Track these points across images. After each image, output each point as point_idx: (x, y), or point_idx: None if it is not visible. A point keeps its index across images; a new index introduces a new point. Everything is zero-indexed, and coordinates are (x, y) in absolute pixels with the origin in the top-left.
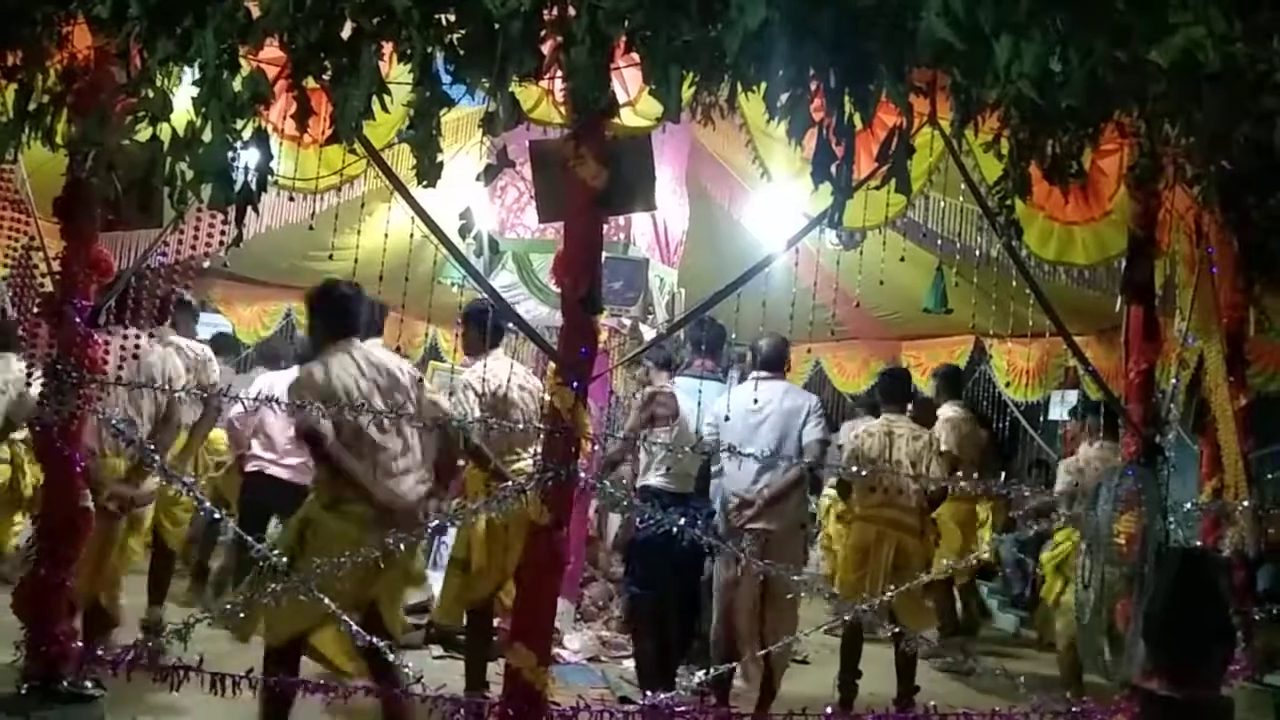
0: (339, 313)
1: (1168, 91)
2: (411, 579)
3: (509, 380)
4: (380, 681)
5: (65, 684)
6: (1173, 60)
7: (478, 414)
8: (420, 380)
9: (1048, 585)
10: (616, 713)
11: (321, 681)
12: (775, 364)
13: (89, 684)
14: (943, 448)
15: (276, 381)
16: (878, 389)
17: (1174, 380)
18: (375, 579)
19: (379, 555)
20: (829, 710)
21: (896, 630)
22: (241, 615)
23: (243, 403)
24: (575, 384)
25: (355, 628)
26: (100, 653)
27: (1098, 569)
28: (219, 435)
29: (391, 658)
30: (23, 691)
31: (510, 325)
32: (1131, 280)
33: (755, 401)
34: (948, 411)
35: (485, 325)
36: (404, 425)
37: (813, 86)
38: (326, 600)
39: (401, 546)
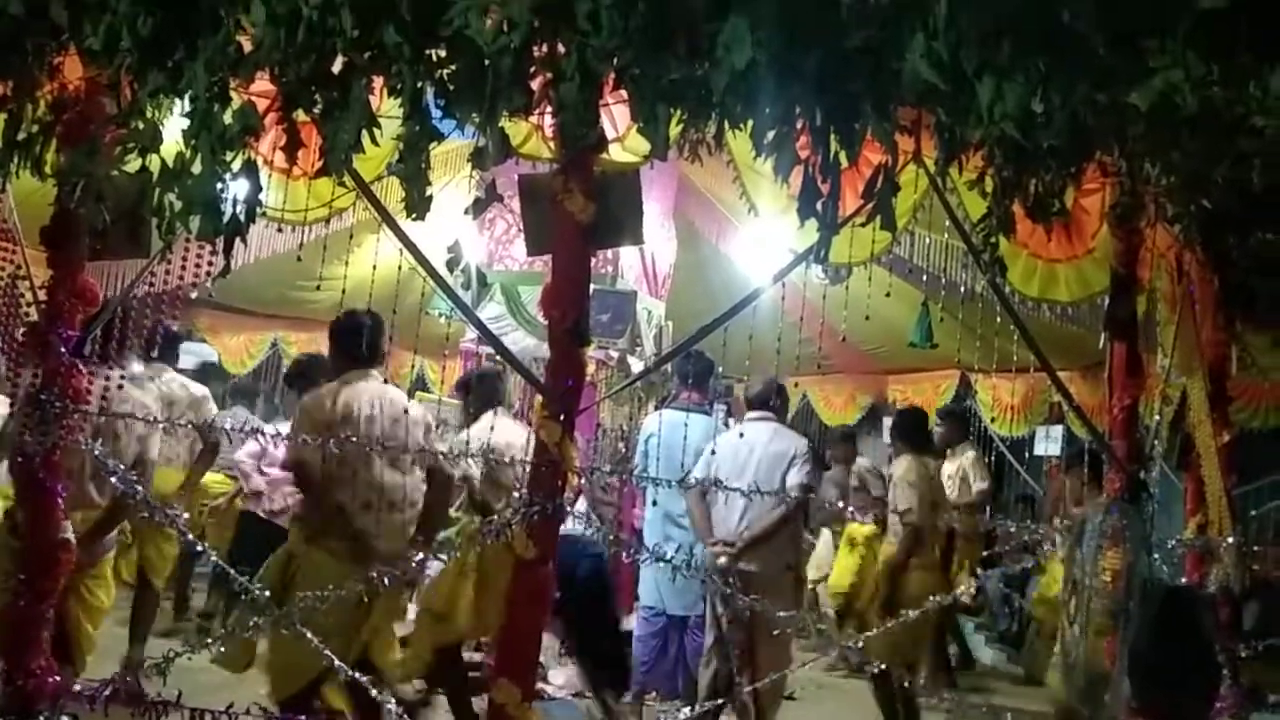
0: (356, 342)
1: (1147, 133)
2: (397, 615)
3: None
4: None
5: (41, 719)
6: (1151, 103)
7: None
8: (430, 428)
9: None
10: None
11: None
12: (764, 404)
13: (66, 719)
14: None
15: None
16: (894, 429)
17: (1157, 416)
18: (363, 618)
19: (364, 591)
20: None
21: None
22: (228, 649)
23: (227, 434)
24: (562, 417)
25: (341, 664)
26: (77, 687)
27: (1083, 606)
28: (210, 479)
29: (375, 694)
30: None
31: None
32: (1114, 317)
33: (741, 438)
34: (970, 451)
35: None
36: (400, 463)
37: (799, 124)
38: (314, 638)
39: (386, 583)
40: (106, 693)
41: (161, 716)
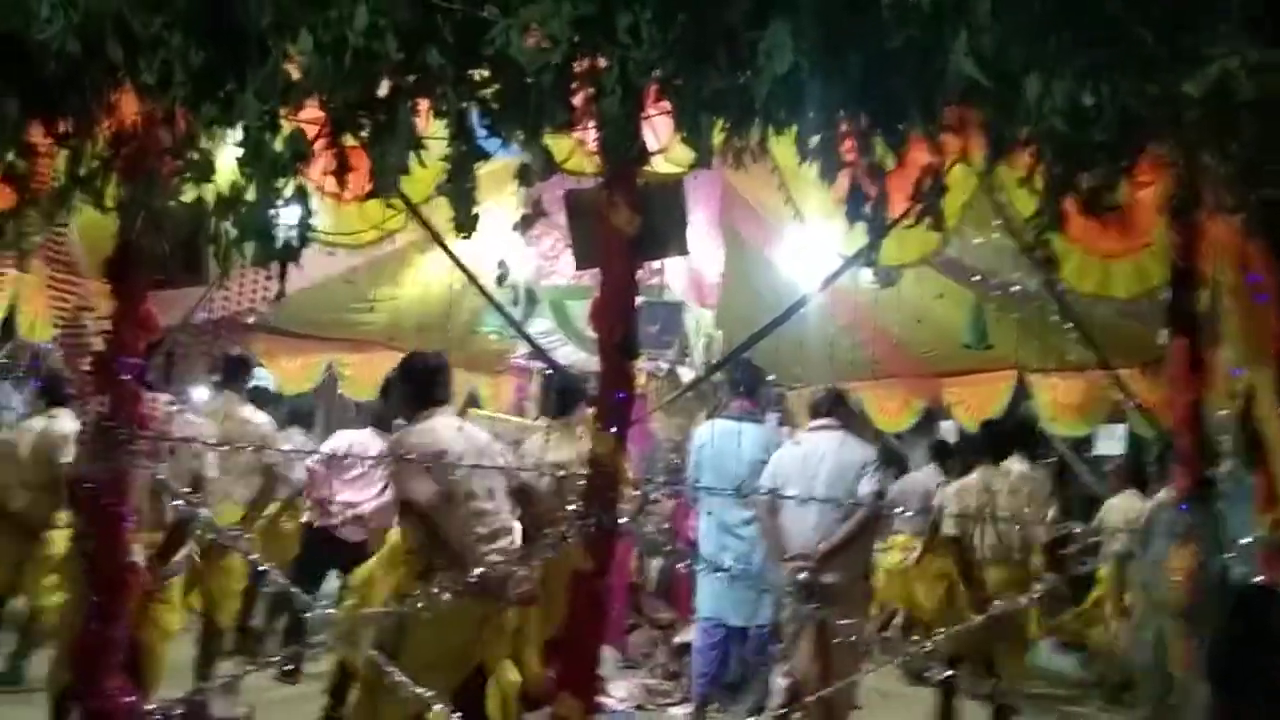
0: (427, 384)
1: (1202, 122)
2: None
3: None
4: None
5: None
6: (1206, 91)
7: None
8: (504, 454)
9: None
10: None
11: None
12: (828, 412)
13: None
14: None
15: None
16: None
17: (1223, 412)
18: (478, 650)
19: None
20: None
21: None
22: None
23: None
24: (614, 429)
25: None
26: (149, 707)
27: (1153, 610)
28: None
29: None
30: None
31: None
32: (1175, 311)
33: (807, 448)
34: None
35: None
36: (497, 493)
37: (843, 128)
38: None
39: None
40: (178, 712)
41: None
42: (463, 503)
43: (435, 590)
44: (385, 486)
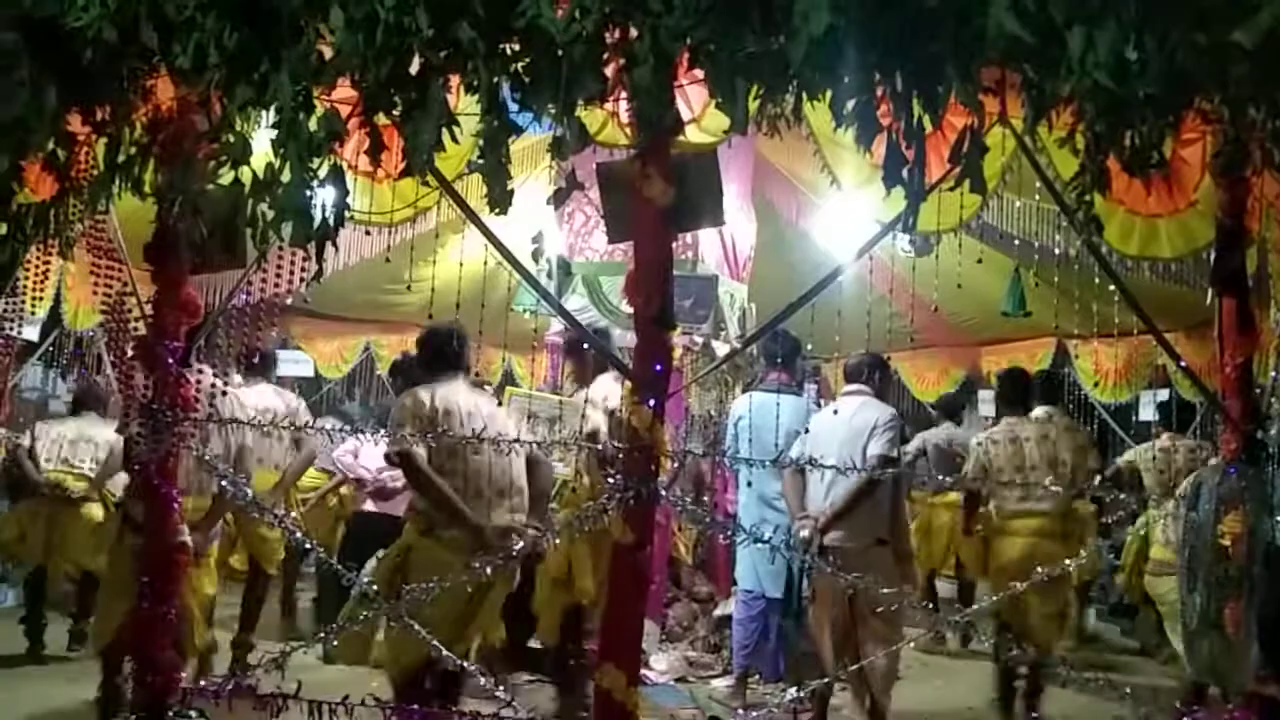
0: (438, 352)
1: (1252, 74)
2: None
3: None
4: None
5: (171, 714)
6: (1257, 41)
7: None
8: (520, 422)
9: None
10: None
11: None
12: (859, 378)
13: (193, 714)
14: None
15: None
16: (996, 393)
17: (1274, 373)
18: (476, 608)
19: (478, 582)
20: None
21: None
22: (338, 642)
23: (328, 434)
24: (652, 402)
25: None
26: (202, 683)
27: (1203, 572)
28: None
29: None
30: None
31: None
32: (1222, 271)
33: (835, 415)
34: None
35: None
36: (501, 453)
37: (879, 91)
38: (424, 631)
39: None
40: (230, 687)
41: (282, 710)
42: (455, 462)
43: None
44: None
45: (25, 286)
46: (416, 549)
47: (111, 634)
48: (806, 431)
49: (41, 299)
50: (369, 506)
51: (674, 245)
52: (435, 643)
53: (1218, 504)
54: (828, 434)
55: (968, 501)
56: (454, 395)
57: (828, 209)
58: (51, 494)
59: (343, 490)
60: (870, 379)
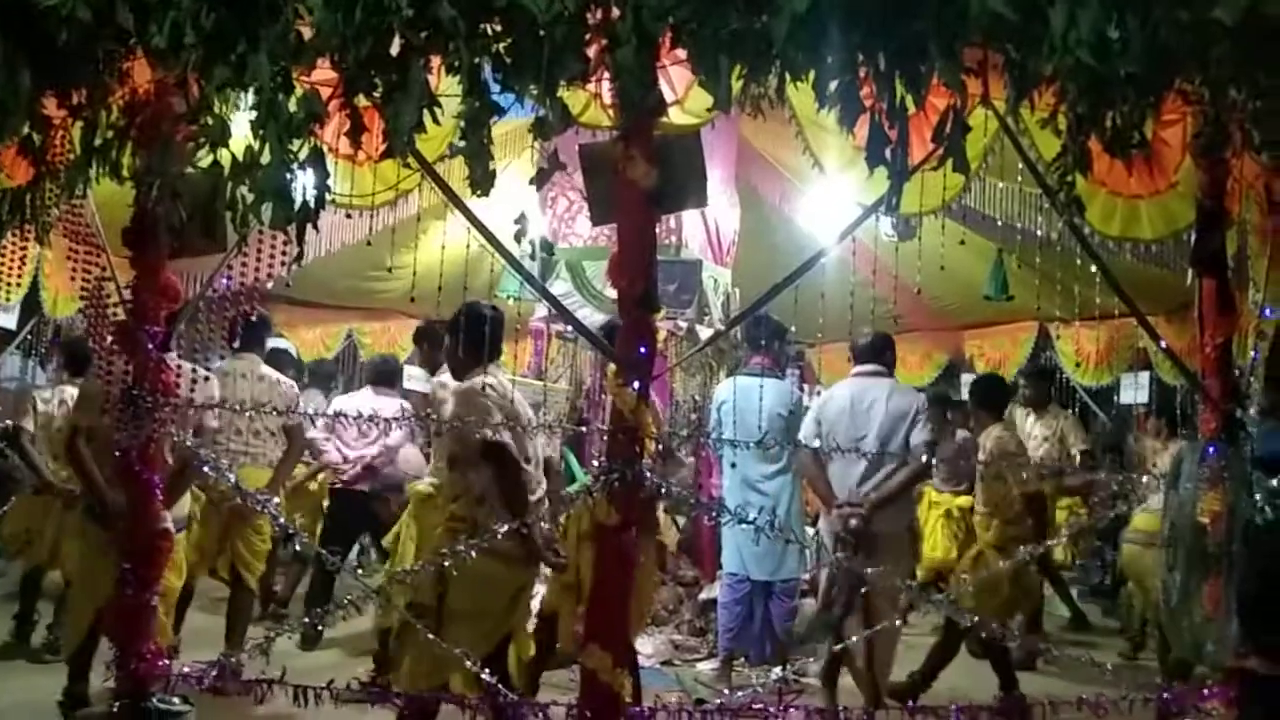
0: (481, 336)
1: (1233, 52)
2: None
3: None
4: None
5: (154, 700)
6: (1237, 18)
7: None
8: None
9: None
10: (694, 713)
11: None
12: (877, 359)
13: (177, 700)
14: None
15: (348, 405)
16: (973, 398)
17: (1252, 353)
18: (514, 612)
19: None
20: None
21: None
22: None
23: (310, 419)
24: (637, 384)
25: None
26: (185, 669)
27: (1183, 550)
28: None
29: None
30: (114, 709)
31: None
32: (1202, 252)
33: (854, 395)
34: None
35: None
36: (535, 460)
37: (862, 72)
38: (461, 650)
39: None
40: (213, 674)
41: (266, 696)
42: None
43: (473, 548)
44: (377, 438)
45: (1, 273)
46: (466, 563)
47: (80, 639)
48: (791, 415)
49: (19, 285)
50: (341, 483)
51: (657, 230)
52: (469, 659)
53: (1197, 483)
54: (850, 417)
55: None
56: (505, 389)
57: (811, 193)
58: (59, 493)
59: (320, 476)
60: (883, 357)
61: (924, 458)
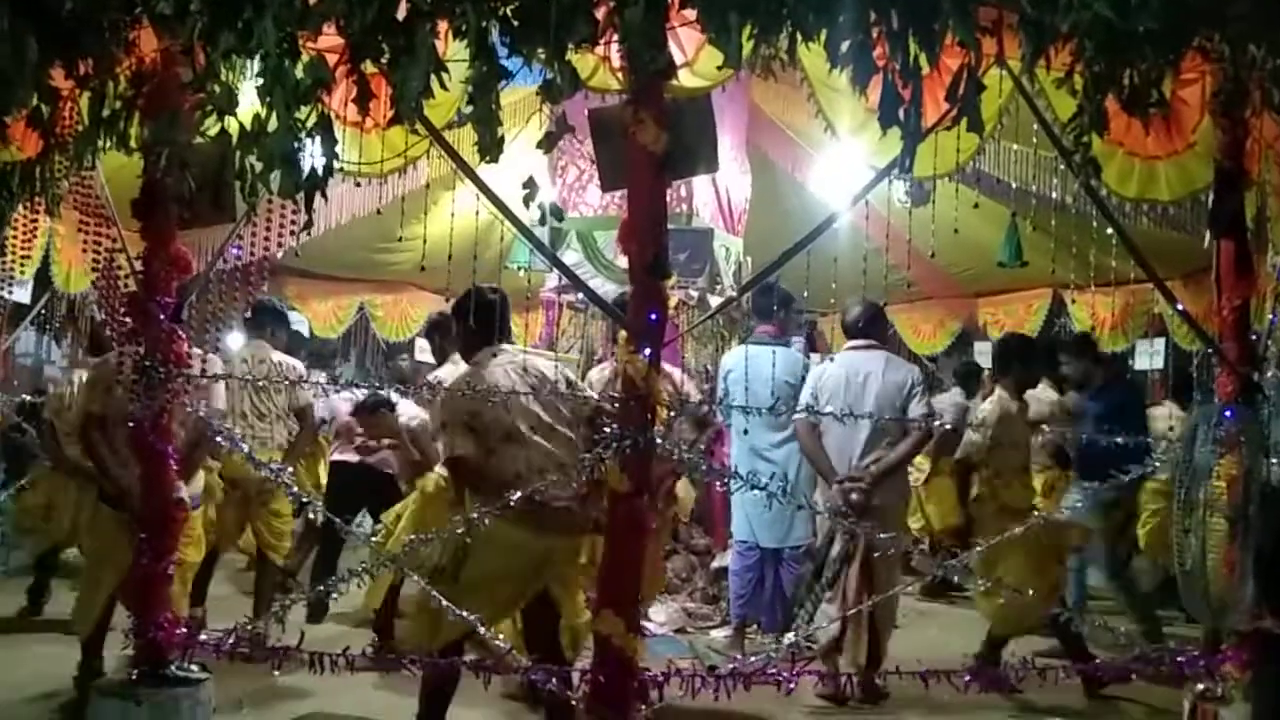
0: (485, 319)
1: (1253, 8)
2: (585, 571)
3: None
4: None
5: (172, 668)
6: None
7: None
8: (572, 382)
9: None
10: (708, 679)
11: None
12: (871, 332)
13: (195, 667)
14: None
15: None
16: (994, 363)
17: (1271, 316)
18: (539, 576)
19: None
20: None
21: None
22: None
23: (331, 389)
24: (647, 351)
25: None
26: (203, 637)
27: (1198, 513)
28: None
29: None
30: (133, 676)
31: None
32: (1220, 213)
33: (849, 367)
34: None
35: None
36: (560, 426)
37: (875, 32)
38: (474, 615)
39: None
40: (231, 642)
41: (283, 663)
42: (504, 446)
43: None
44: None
45: (12, 247)
46: (483, 531)
47: (94, 620)
48: (801, 383)
49: (29, 259)
50: (342, 456)
51: (668, 198)
52: (479, 622)
53: (1213, 446)
54: (846, 389)
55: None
56: (493, 375)
57: (823, 158)
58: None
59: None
60: (875, 330)
61: (920, 429)
